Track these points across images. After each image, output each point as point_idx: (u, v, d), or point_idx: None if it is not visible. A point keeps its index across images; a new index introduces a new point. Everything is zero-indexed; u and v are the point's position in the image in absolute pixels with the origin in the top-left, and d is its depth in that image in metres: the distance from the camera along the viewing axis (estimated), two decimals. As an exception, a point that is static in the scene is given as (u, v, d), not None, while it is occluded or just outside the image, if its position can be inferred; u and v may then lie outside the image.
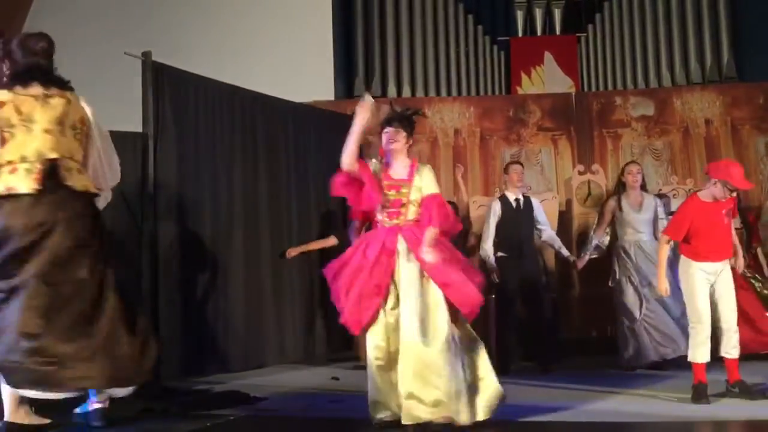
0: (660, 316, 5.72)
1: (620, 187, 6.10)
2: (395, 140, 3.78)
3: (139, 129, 5.30)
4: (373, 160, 3.89)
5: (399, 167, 3.79)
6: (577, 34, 8.82)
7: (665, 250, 4.56)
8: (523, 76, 8.77)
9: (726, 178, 4.36)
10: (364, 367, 3.91)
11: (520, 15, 8.92)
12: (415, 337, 3.51)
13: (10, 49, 3.63)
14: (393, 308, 3.64)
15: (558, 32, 8.87)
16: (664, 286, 4.54)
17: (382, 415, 3.65)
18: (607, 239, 6.16)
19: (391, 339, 3.63)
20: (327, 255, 6.62)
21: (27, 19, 8.32)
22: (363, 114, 3.67)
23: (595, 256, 6.16)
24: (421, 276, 3.64)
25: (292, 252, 6.34)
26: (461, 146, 7.89)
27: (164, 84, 5.33)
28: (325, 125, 6.98)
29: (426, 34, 8.85)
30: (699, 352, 4.35)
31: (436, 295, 3.63)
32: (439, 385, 3.48)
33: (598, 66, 8.69)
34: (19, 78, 3.56)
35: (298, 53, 8.06)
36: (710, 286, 4.42)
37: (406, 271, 3.64)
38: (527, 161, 7.48)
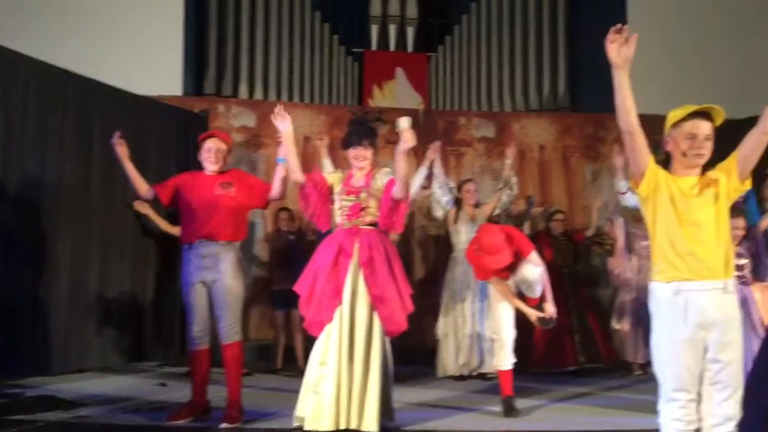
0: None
1: (457, 203, 6.35)
2: (365, 158, 3.97)
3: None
4: (333, 173, 4.10)
5: (359, 175, 3.99)
6: (428, 54, 9.10)
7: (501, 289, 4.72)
8: (375, 89, 8.93)
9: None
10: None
11: (374, 29, 9.09)
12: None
13: None
14: (347, 311, 3.77)
15: (410, 50, 9.11)
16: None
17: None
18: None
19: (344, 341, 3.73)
20: (164, 257, 6.41)
21: None
22: (283, 125, 3.85)
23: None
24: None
25: (139, 206, 6.04)
26: (309, 153, 7.82)
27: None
28: (169, 121, 6.75)
29: (281, 37, 8.80)
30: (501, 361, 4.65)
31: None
32: None
33: (446, 86, 9.01)
34: None
35: (146, 45, 7.69)
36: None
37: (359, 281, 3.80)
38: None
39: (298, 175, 3.94)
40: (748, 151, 2.68)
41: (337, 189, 3.98)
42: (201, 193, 4.33)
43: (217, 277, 4.24)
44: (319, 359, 3.76)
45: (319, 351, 3.78)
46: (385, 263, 3.82)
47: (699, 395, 2.65)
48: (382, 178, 3.95)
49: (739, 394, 2.64)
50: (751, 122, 2.69)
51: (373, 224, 3.92)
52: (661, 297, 2.68)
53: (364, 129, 3.99)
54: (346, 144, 4.00)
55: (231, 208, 4.32)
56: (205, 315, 4.32)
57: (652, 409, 2.82)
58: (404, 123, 3.70)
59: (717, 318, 2.61)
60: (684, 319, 2.61)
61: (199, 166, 4.49)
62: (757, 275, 4.86)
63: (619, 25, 2.57)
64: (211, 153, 4.40)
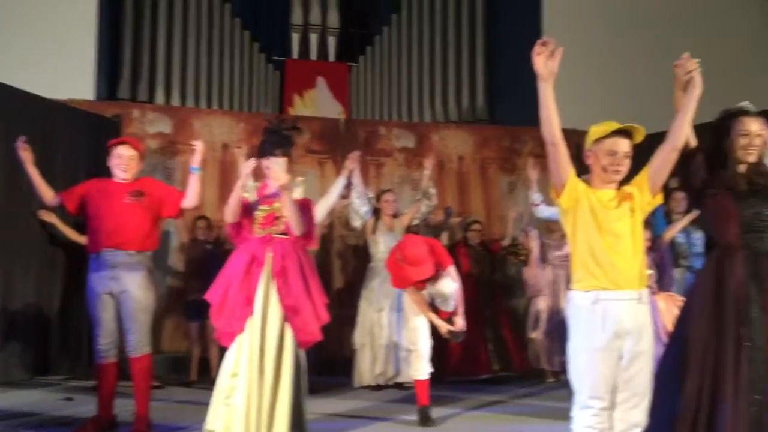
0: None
1: (376, 213, 6.35)
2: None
3: None
4: (250, 184, 3.95)
5: (273, 185, 3.85)
6: (349, 64, 9.11)
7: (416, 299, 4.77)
8: (296, 98, 8.88)
9: None
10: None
11: (296, 38, 9.05)
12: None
13: None
14: (258, 321, 3.68)
15: (332, 59, 9.11)
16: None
17: None
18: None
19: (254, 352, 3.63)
20: (71, 267, 6.16)
21: None
22: (243, 174, 3.73)
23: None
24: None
25: (45, 215, 5.80)
26: (228, 162, 7.68)
27: None
28: (79, 125, 6.51)
29: (200, 43, 8.66)
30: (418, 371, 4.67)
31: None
32: None
33: (367, 96, 9.04)
34: None
35: (57, 48, 7.38)
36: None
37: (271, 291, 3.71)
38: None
39: (236, 218, 3.83)
40: (657, 167, 2.77)
41: (252, 200, 3.91)
42: (110, 202, 4.18)
43: (125, 288, 4.11)
44: (230, 370, 3.68)
45: (230, 362, 3.70)
46: (298, 273, 3.77)
47: (612, 403, 2.71)
48: (296, 189, 3.91)
49: (646, 401, 2.72)
50: (663, 137, 2.78)
51: (288, 233, 3.87)
52: (579, 305, 2.73)
53: (279, 138, 3.92)
54: (261, 153, 3.94)
55: (141, 218, 4.20)
56: (113, 327, 4.18)
57: (563, 415, 2.88)
58: (273, 163, 3.75)
59: (632, 327, 2.68)
60: (602, 327, 2.67)
61: (110, 173, 4.34)
62: (662, 285, 5.06)
63: (545, 38, 2.62)
64: (121, 160, 4.26)
